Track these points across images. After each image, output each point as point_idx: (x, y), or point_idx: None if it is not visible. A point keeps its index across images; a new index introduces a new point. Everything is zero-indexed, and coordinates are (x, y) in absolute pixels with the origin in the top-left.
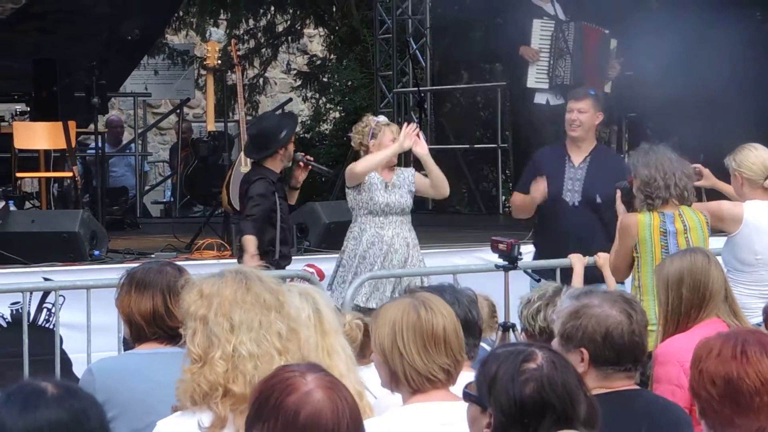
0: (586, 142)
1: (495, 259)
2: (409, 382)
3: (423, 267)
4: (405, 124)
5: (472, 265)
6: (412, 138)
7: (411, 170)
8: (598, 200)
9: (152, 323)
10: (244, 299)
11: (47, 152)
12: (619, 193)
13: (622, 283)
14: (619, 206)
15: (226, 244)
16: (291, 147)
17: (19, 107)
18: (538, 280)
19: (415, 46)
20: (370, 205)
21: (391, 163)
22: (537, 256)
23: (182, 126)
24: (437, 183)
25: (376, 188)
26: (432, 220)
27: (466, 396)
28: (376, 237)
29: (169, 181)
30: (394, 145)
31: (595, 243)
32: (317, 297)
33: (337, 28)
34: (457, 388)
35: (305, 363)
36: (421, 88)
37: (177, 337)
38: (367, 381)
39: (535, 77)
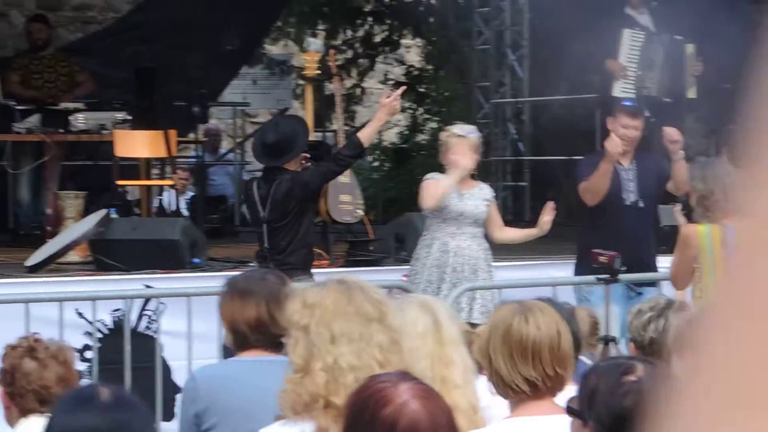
0: None
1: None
2: (496, 387)
3: (493, 279)
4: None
5: (571, 277)
6: (547, 220)
7: (491, 191)
8: (648, 200)
9: (256, 330)
10: (345, 310)
11: (148, 160)
12: (679, 206)
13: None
14: (680, 218)
15: (324, 253)
16: None
17: (120, 116)
18: (639, 294)
19: (513, 57)
20: (444, 213)
21: (468, 174)
22: (583, 255)
23: None
24: (506, 241)
25: (451, 197)
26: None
27: (569, 410)
28: (448, 246)
29: None
30: (454, 172)
31: (650, 242)
32: (437, 308)
33: (434, 38)
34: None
35: (397, 372)
36: (518, 99)
37: (280, 344)
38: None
39: (622, 87)
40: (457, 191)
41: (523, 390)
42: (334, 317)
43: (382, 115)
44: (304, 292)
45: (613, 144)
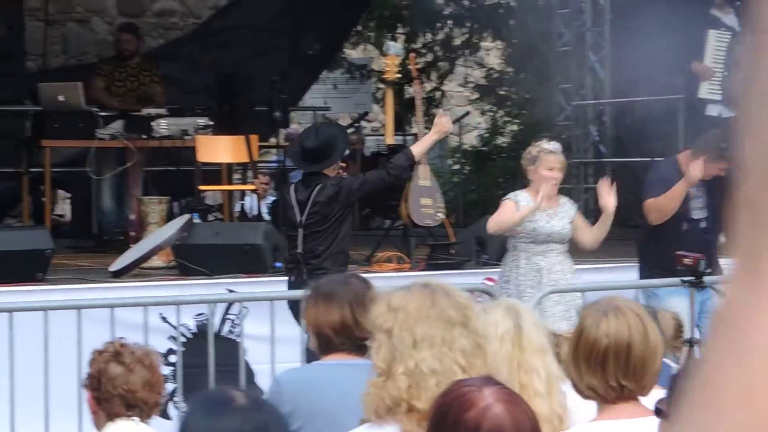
0: None
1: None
2: (578, 392)
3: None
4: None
5: (655, 280)
6: (608, 198)
7: (573, 205)
8: (715, 216)
9: (341, 334)
10: (428, 314)
11: (229, 165)
12: None
13: None
14: None
15: (405, 257)
16: None
17: (202, 121)
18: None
19: (594, 58)
20: (533, 234)
21: (553, 192)
22: (646, 269)
23: (360, 139)
24: (598, 239)
25: (539, 217)
26: (611, 233)
27: (657, 411)
28: (539, 265)
29: None
30: (531, 206)
31: (716, 258)
32: (522, 313)
33: (514, 40)
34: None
35: (481, 376)
36: (600, 101)
37: (364, 348)
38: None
39: (708, 88)
40: (545, 210)
41: (602, 394)
42: (417, 321)
43: (434, 135)
44: (389, 295)
45: (697, 170)
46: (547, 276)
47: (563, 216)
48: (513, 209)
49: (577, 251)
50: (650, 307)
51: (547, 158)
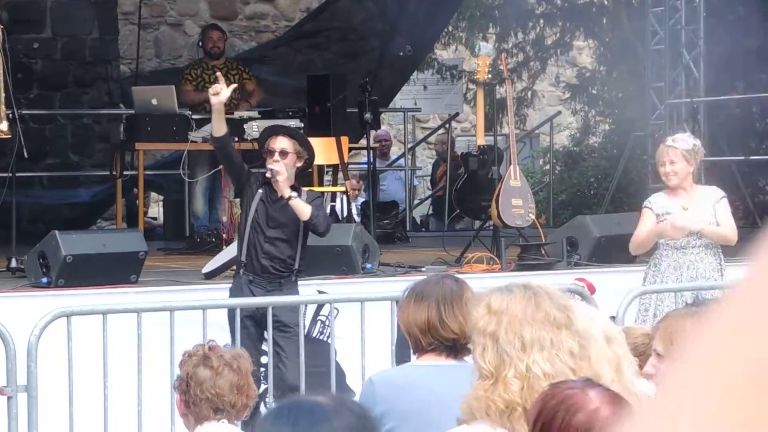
0: None
1: None
2: None
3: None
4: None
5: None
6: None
7: (717, 194)
8: None
9: (427, 333)
10: (534, 317)
11: (320, 167)
12: None
13: None
14: None
15: (495, 258)
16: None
17: (294, 123)
18: None
19: (688, 57)
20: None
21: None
22: None
23: (441, 140)
24: (720, 240)
25: (674, 212)
26: None
27: None
28: (676, 264)
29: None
30: (657, 227)
31: None
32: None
33: (607, 39)
34: None
35: (580, 378)
36: (694, 99)
37: (454, 349)
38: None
39: None
40: (682, 206)
41: None
42: (524, 324)
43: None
44: (488, 296)
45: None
46: (687, 273)
47: (703, 208)
48: (650, 219)
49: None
50: None
51: (662, 152)
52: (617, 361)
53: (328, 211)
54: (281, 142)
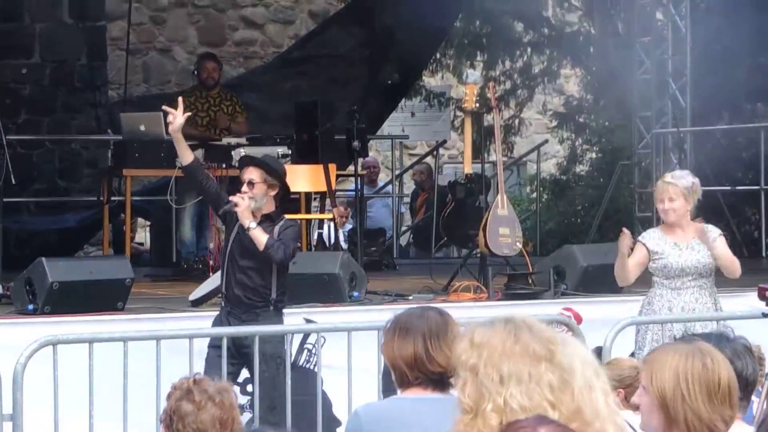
0: None
1: (760, 306)
2: (689, 429)
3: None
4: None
5: (736, 312)
6: (625, 244)
7: (715, 233)
8: None
9: (414, 368)
10: (513, 350)
11: (308, 194)
12: None
13: None
14: None
15: (482, 287)
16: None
17: (281, 150)
18: None
19: (675, 87)
20: (664, 271)
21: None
22: None
23: (420, 170)
24: (724, 266)
25: (669, 254)
26: None
27: None
28: (672, 304)
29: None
30: (622, 252)
31: None
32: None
33: (594, 68)
34: None
35: (534, 416)
36: (680, 129)
37: (441, 383)
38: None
39: None
40: (674, 247)
41: (720, 428)
42: (502, 358)
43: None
44: (472, 330)
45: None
46: (680, 315)
47: (699, 248)
48: (642, 253)
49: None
50: (743, 338)
51: (663, 189)
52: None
53: (314, 238)
54: (250, 173)
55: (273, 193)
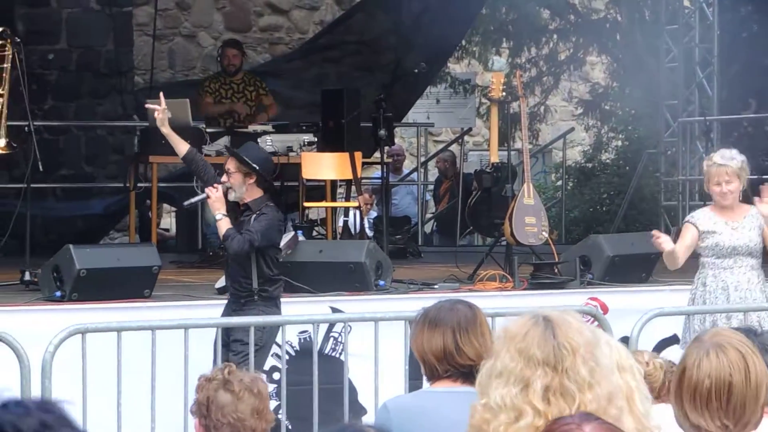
0: None
1: None
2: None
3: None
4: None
5: (762, 303)
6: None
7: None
8: None
9: (443, 361)
10: (544, 346)
11: (333, 182)
12: None
13: None
14: None
15: (508, 276)
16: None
17: (307, 137)
18: None
19: (702, 75)
20: (716, 249)
21: (729, 203)
22: None
23: (443, 158)
24: None
25: (722, 232)
26: None
27: None
28: (723, 285)
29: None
30: (668, 249)
31: None
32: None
33: (620, 55)
34: None
35: (579, 413)
36: (707, 117)
37: (470, 375)
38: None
39: None
40: (728, 223)
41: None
42: (531, 354)
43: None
44: (507, 323)
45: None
46: (734, 293)
47: (751, 227)
48: (692, 234)
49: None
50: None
51: (715, 172)
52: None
53: (340, 225)
54: (228, 163)
55: (251, 181)
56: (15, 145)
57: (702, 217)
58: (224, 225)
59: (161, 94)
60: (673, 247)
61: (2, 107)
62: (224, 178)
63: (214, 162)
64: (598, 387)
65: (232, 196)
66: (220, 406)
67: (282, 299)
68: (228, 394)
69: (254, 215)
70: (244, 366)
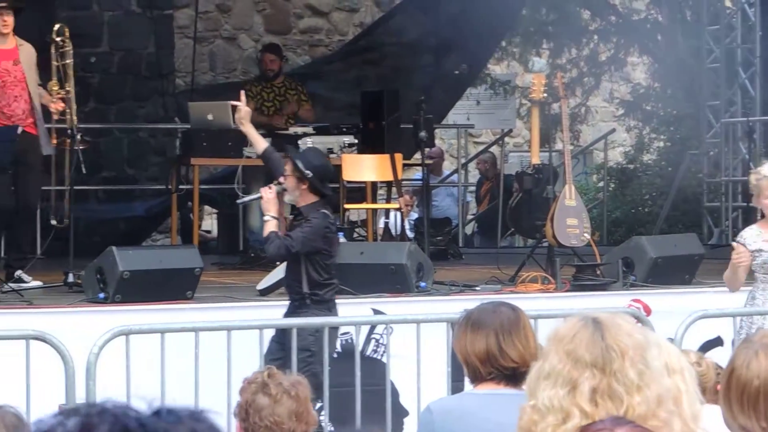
0: None
1: None
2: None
3: None
4: None
5: None
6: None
7: None
8: None
9: (487, 363)
10: (593, 349)
11: (374, 183)
12: None
13: None
14: None
15: (550, 278)
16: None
17: (348, 139)
18: None
19: (744, 75)
20: (765, 267)
21: None
22: None
23: (483, 159)
24: None
25: (764, 244)
26: None
27: None
28: None
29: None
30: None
31: None
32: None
33: (662, 56)
34: None
35: (611, 417)
36: (750, 118)
37: (513, 377)
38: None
39: None
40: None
41: None
42: (580, 356)
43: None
44: (555, 325)
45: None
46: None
47: None
48: (743, 255)
49: None
50: None
51: (765, 185)
52: (676, 394)
53: (380, 227)
54: (285, 165)
55: (304, 186)
56: (89, 139)
57: (750, 236)
58: (270, 227)
59: (242, 92)
60: (738, 269)
61: (73, 102)
62: (281, 179)
63: (256, 164)
64: (647, 389)
65: (287, 198)
66: (258, 409)
67: None
68: (266, 398)
69: (313, 218)
70: (308, 370)
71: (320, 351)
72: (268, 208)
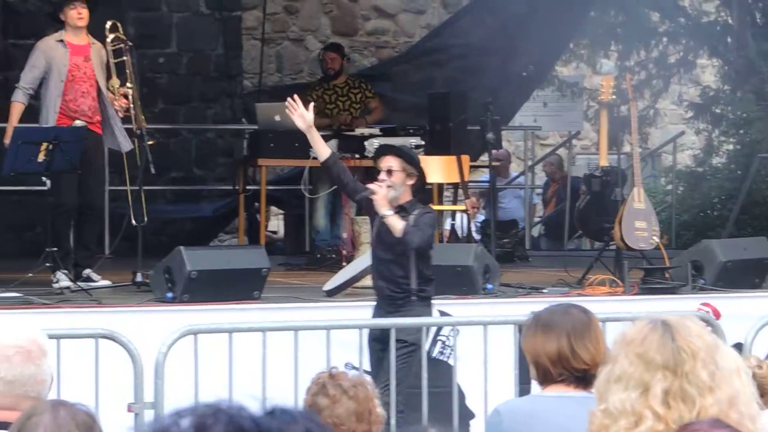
0: None
1: None
2: None
3: None
4: None
5: None
6: None
7: None
8: None
9: (558, 364)
10: (663, 352)
11: (440, 185)
12: None
13: None
14: None
15: (618, 281)
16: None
17: (414, 141)
18: None
19: None
20: None
21: None
22: None
23: (550, 161)
24: None
25: None
26: None
27: None
28: None
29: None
30: None
31: None
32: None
33: (732, 58)
34: None
35: (708, 419)
36: None
37: (583, 379)
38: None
39: None
40: None
41: None
42: (651, 358)
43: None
44: (623, 328)
45: None
46: None
47: None
48: None
49: None
50: None
51: None
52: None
53: (447, 229)
54: (388, 161)
55: (411, 182)
56: (158, 136)
57: None
58: (396, 220)
59: (296, 96)
60: None
61: (137, 100)
62: (384, 176)
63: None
64: (719, 391)
65: (390, 195)
66: (317, 410)
67: None
68: (325, 399)
69: (412, 216)
70: (407, 368)
71: (421, 347)
72: (384, 203)
